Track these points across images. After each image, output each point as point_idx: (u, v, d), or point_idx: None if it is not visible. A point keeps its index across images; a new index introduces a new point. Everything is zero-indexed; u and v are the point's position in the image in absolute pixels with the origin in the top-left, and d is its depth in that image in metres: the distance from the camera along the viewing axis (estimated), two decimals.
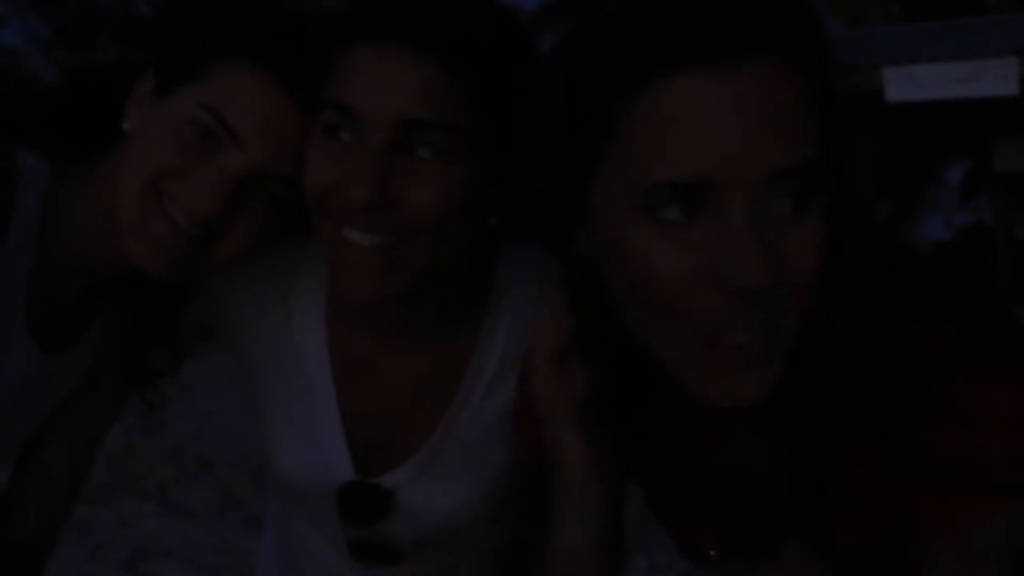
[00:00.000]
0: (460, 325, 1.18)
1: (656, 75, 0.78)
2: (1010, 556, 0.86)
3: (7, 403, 1.17)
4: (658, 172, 0.78)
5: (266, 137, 1.06)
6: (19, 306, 1.13)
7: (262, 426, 1.25)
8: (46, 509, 1.32)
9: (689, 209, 0.79)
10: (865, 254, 0.84)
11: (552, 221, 0.91)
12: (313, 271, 1.21)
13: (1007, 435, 0.83)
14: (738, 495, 0.99)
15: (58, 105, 1.18)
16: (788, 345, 0.83)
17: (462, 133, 1.02)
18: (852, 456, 0.88)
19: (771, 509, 0.95)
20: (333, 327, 1.20)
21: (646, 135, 0.79)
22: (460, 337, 1.18)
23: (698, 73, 0.76)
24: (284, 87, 1.06)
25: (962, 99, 7.69)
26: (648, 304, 0.83)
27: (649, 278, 0.81)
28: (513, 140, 1.05)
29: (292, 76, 1.07)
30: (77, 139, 1.17)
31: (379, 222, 1.02)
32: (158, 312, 1.27)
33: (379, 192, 1.00)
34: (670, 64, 0.77)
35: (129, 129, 1.12)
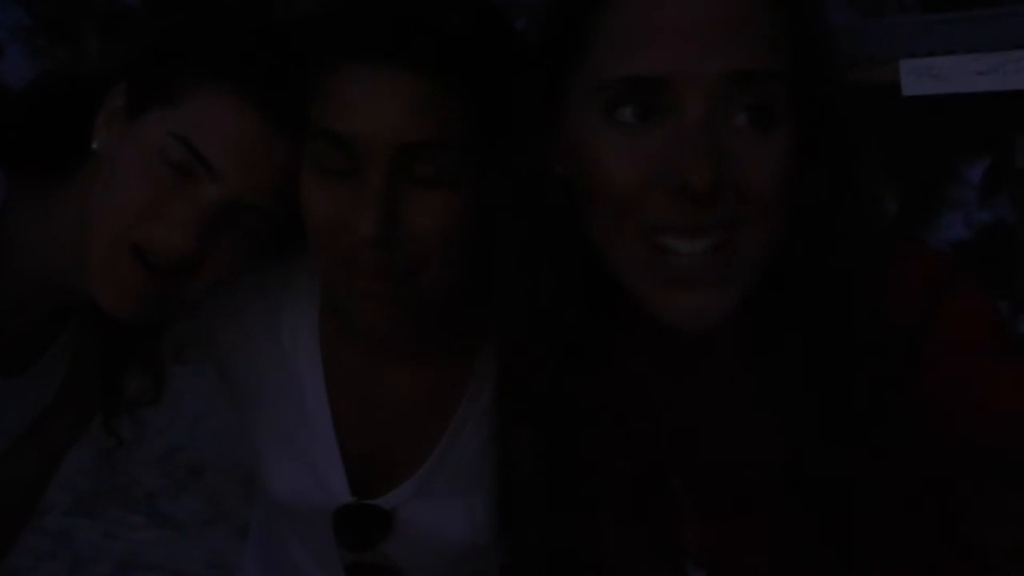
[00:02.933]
0: (459, 343, 1.16)
1: None
2: None
3: None
4: (616, 69, 0.83)
5: (242, 168, 1.00)
6: None
7: (255, 447, 1.22)
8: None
9: (644, 111, 0.83)
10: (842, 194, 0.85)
11: (530, 143, 0.92)
12: (304, 290, 1.18)
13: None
14: (714, 444, 0.96)
15: (21, 119, 1.12)
16: (748, 270, 0.84)
17: (462, 150, 0.99)
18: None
19: (754, 460, 0.91)
20: (328, 346, 1.17)
21: (612, 38, 0.84)
22: (459, 355, 1.17)
23: None
24: (262, 113, 1.00)
25: (982, 93, 7.67)
26: (603, 209, 0.85)
27: (604, 180, 0.84)
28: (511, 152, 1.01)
29: (271, 101, 1.00)
30: (41, 156, 1.10)
31: (387, 253, 0.99)
32: (134, 336, 1.21)
33: (387, 224, 0.97)
34: None
35: (98, 150, 1.05)
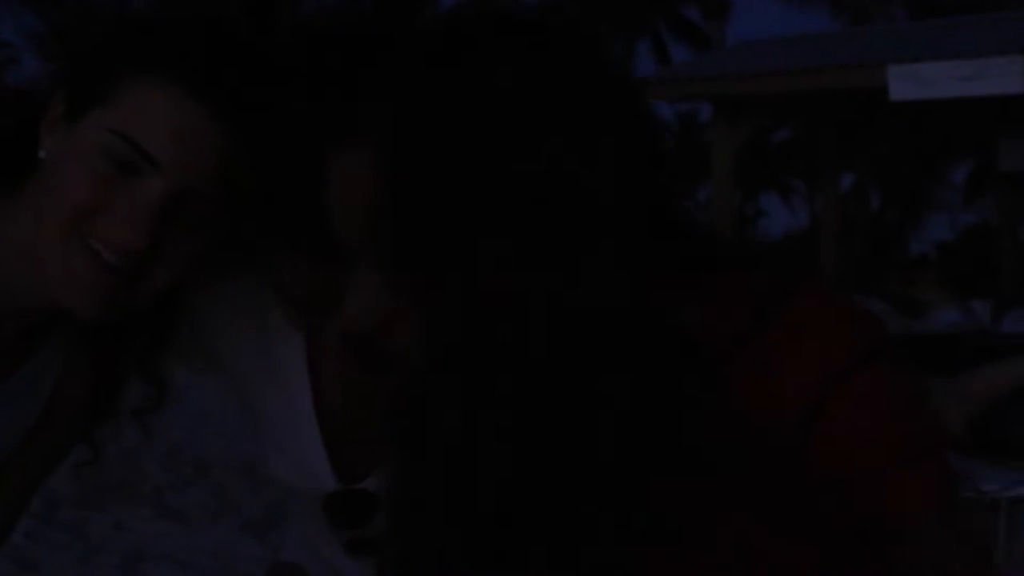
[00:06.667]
0: None
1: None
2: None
3: None
4: None
5: (185, 157, 0.98)
6: None
7: (256, 436, 1.27)
8: None
9: None
10: None
11: None
12: None
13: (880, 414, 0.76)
14: None
15: None
16: None
17: None
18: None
19: None
20: (313, 345, 1.20)
21: None
22: None
23: None
24: (199, 101, 0.99)
25: (966, 97, 7.67)
26: None
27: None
28: None
29: (207, 88, 0.99)
30: None
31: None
32: (132, 346, 1.17)
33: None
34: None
35: (45, 158, 1.04)
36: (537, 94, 0.76)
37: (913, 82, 7.62)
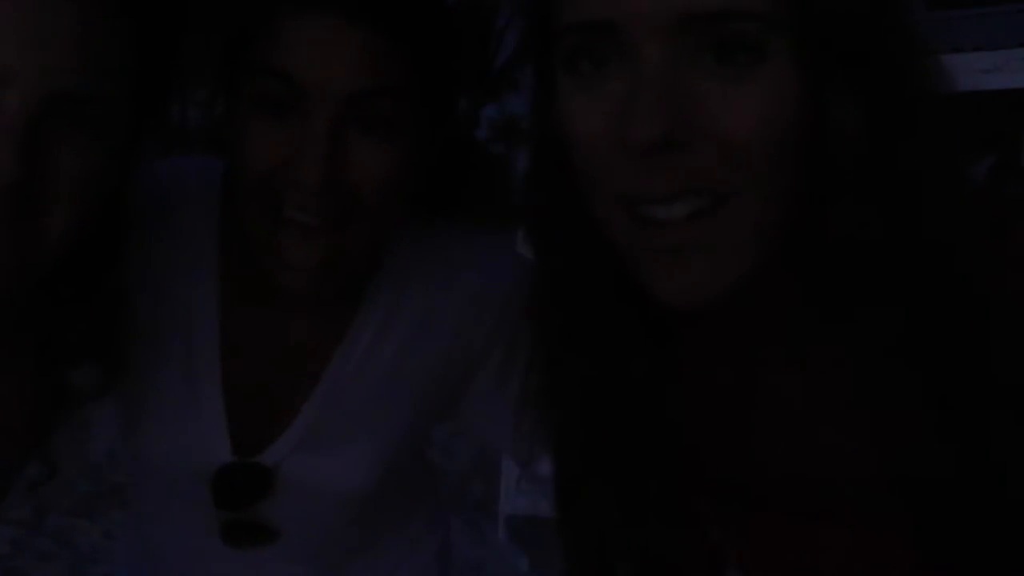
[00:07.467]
0: (345, 288, 1.15)
1: None
2: None
3: None
4: (568, 15, 0.75)
5: (32, 53, 0.82)
6: None
7: (131, 414, 1.17)
8: None
9: (600, 59, 0.74)
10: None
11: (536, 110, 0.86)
12: (200, 258, 1.15)
13: None
14: (785, 445, 0.86)
15: None
16: (749, 236, 0.73)
17: (406, 99, 1.00)
18: None
19: (832, 462, 0.81)
20: (226, 309, 1.14)
21: None
22: (343, 301, 1.16)
23: None
24: None
25: (987, 90, 7.57)
26: (583, 177, 0.77)
27: (571, 141, 0.76)
28: (448, 106, 1.06)
29: None
30: None
31: (327, 201, 0.99)
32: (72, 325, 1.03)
33: (331, 171, 0.97)
34: None
35: None
36: None
37: None
